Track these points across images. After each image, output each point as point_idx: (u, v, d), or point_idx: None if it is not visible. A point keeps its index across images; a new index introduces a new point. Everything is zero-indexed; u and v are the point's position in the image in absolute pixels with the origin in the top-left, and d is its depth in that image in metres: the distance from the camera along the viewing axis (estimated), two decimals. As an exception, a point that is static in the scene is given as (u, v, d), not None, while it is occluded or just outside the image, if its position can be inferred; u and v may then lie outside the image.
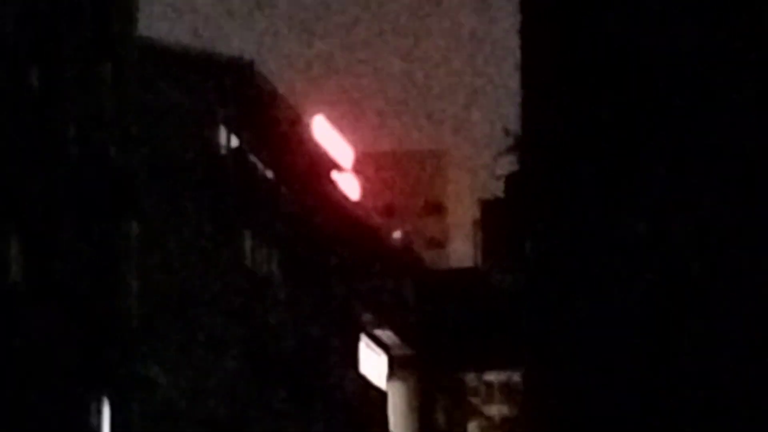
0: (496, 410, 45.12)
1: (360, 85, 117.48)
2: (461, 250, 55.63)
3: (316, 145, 38.66)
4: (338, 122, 42.04)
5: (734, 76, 14.50)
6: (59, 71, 23.89)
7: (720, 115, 14.48)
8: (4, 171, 19.14)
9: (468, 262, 40.29)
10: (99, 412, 24.46)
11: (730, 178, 14.67)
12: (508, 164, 17.97)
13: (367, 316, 42.30)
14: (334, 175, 41.02)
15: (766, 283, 14.00)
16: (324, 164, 39.47)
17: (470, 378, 45.19)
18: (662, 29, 14.46)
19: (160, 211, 30.07)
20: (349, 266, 40.66)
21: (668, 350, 14.08)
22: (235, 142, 34.01)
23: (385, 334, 43.60)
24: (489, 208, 22.10)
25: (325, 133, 39.57)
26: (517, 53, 16.71)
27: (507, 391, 42.49)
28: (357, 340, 41.48)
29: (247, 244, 34.60)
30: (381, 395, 43.28)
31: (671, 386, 13.72)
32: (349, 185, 43.35)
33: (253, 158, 34.73)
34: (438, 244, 66.37)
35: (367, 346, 42.40)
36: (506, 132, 17.46)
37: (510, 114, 17.96)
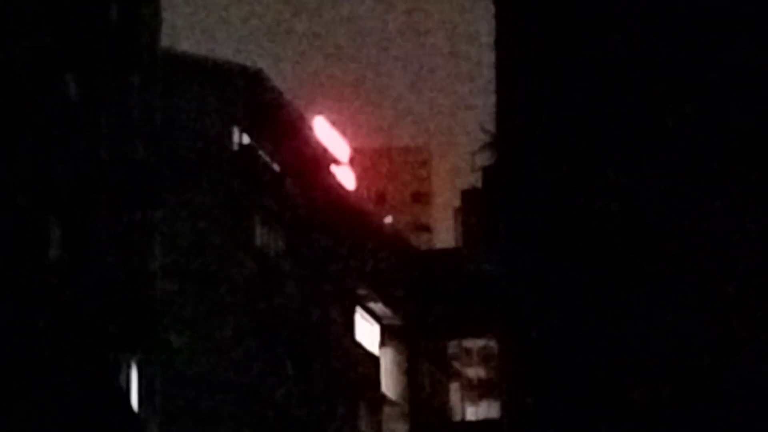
0: (474, 372, 45.72)
1: (355, 89, 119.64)
2: (444, 233, 58.65)
3: (317, 142, 40.79)
4: (336, 122, 42.99)
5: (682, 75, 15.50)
6: (94, 79, 24.68)
7: (672, 110, 15.45)
8: (48, 167, 19.90)
9: (450, 244, 42.22)
10: (128, 374, 25.62)
11: (688, 166, 15.66)
12: (485, 158, 18.75)
13: (362, 291, 44.58)
14: (333, 168, 43.28)
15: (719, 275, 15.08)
16: (324, 159, 41.72)
17: (452, 345, 46.96)
18: (613, 40, 15.76)
19: (183, 199, 32.19)
20: (345, 247, 42.86)
21: (624, 322, 15.23)
22: (246, 139, 35.81)
23: (378, 307, 45.84)
24: (468, 197, 23.73)
25: (325, 132, 41.71)
26: (493, 62, 18.07)
27: (483, 355, 43.60)
28: (353, 311, 44.00)
29: (258, 227, 36.86)
30: (374, 360, 45.92)
31: (623, 351, 15.14)
32: (346, 177, 45.52)
33: (262, 153, 36.88)
34: (424, 228, 66.71)
35: (362, 317, 45.04)
36: (483, 130, 18.37)
37: (487, 114, 19.27)
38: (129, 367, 25.45)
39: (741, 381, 15.04)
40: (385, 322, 45.25)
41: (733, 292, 15.78)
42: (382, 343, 45.55)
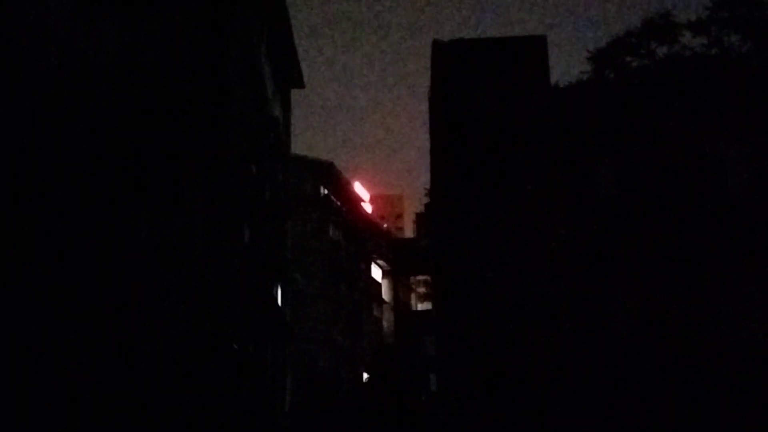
0: (421, 289, 62.10)
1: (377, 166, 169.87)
2: (409, 232, 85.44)
3: (355, 192, 56.64)
4: (363, 183, 61.76)
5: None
6: (261, 166, 24.79)
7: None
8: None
9: (411, 235, 71.18)
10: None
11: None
12: (426, 200, 30.66)
13: (375, 255, 60.52)
14: (362, 204, 59.42)
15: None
16: (358, 199, 57.70)
17: (412, 278, 63.07)
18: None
19: (302, 221, 40.92)
20: (368, 237, 58.59)
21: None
22: (325, 191, 47.88)
23: (381, 262, 61.95)
24: (419, 216, 40.63)
25: (359, 188, 58.25)
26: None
27: (425, 281, 58.67)
28: (371, 263, 59.81)
29: (331, 229, 48.54)
30: (379, 284, 61.66)
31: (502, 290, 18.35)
32: (367, 207, 62.12)
33: (333, 198, 49.05)
34: (400, 229, 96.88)
35: (375, 265, 61.15)
36: (426, 188, 28.55)
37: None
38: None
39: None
40: (383, 267, 63.23)
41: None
42: (382, 277, 63.30)
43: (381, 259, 62.27)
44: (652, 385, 16.85)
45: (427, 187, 28.67)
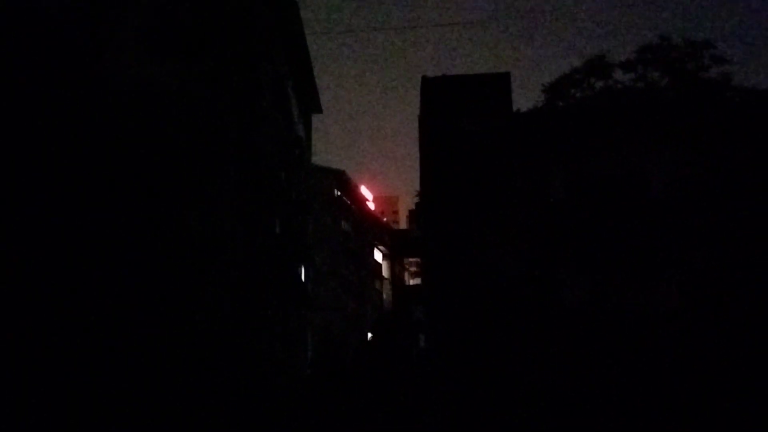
0: (414, 269, 58.85)
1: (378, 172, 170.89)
2: (403, 225, 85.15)
3: (362, 194, 55.43)
4: (367, 186, 62.39)
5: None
6: (288, 174, 24.52)
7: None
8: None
9: (404, 227, 72.76)
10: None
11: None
12: (416, 199, 28.72)
13: (377, 242, 59.73)
14: (367, 202, 58.49)
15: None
16: (364, 199, 56.26)
17: (406, 259, 58.72)
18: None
19: (319, 215, 39.65)
20: (371, 228, 58.18)
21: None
22: (338, 193, 46.57)
23: (381, 247, 60.91)
24: (411, 213, 37.39)
25: (364, 191, 57.58)
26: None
27: (416, 263, 54.93)
28: (374, 248, 59.05)
29: (342, 222, 47.24)
30: (380, 264, 60.65)
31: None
32: (371, 206, 60.89)
33: (345, 198, 48.28)
34: (396, 223, 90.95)
35: (377, 250, 60.32)
36: (417, 190, 26.59)
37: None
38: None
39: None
40: (383, 252, 62.15)
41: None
42: (382, 259, 62.54)
43: (381, 245, 61.78)
44: (595, 344, 16.91)
45: (417, 190, 28.29)
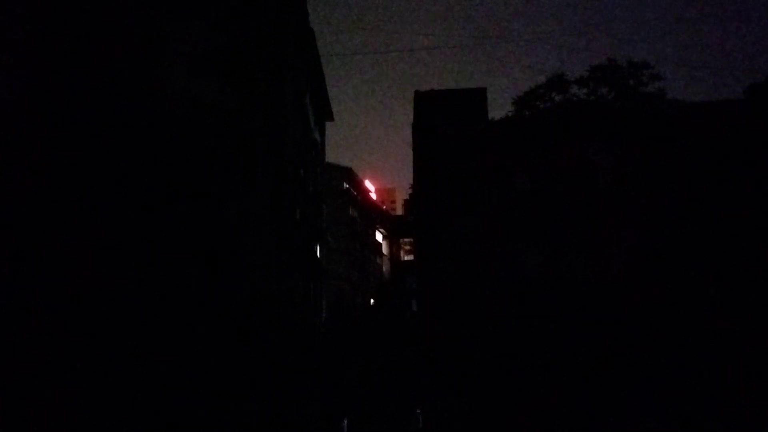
0: (408, 247, 58.54)
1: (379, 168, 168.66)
2: (399, 211, 79.76)
3: (366, 186, 54.38)
4: (370, 180, 60.50)
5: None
6: (306, 171, 23.48)
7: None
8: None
9: (400, 214, 69.27)
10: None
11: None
12: (410, 190, 28.66)
13: (378, 225, 58.24)
14: (370, 194, 57.53)
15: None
16: (367, 191, 55.32)
17: (401, 240, 60.64)
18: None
19: (334, 206, 39.63)
20: (374, 214, 56.89)
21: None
22: (347, 186, 45.91)
23: (382, 230, 59.10)
24: (406, 202, 37.15)
25: (368, 183, 56.32)
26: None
27: (409, 242, 56.69)
28: (375, 231, 57.23)
29: (350, 209, 46.41)
30: (380, 244, 59.01)
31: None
32: (373, 196, 59.94)
33: (353, 190, 47.33)
34: (394, 210, 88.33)
35: (378, 232, 58.59)
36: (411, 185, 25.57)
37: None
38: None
39: None
40: (383, 234, 60.61)
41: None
42: (383, 239, 60.93)
43: (382, 228, 60.80)
44: (550, 309, 16.77)
45: (411, 183, 26.93)
